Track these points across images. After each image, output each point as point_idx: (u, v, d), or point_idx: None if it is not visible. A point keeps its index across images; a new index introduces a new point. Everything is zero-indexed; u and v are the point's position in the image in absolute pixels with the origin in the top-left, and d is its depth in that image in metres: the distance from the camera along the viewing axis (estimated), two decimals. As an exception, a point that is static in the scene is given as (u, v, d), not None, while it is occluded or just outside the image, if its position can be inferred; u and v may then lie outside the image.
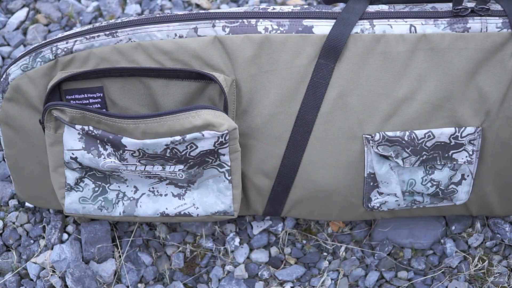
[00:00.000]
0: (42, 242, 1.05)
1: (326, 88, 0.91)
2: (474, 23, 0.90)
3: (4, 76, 0.94)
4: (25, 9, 1.31)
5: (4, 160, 1.13)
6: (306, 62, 0.91)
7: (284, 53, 0.91)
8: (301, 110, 0.92)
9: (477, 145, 0.93)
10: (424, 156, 0.93)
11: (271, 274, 1.04)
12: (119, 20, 0.93)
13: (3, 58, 1.26)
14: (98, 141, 0.89)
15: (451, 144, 0.92)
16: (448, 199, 0.98)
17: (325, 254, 1.05)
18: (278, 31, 0.91)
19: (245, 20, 0.91)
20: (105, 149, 0.89)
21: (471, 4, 0.92)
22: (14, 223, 1.07)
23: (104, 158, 0.90)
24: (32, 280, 1.03)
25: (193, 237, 1.06)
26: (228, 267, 1.04)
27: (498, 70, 0.90)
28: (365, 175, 0.95)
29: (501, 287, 1.01)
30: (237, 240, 1.05)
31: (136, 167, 0.90)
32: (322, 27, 0.91)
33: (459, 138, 0.92)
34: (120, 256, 1.04)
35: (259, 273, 1.04)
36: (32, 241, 1.05)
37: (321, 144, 0.93)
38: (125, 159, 0.89)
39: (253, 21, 0.91)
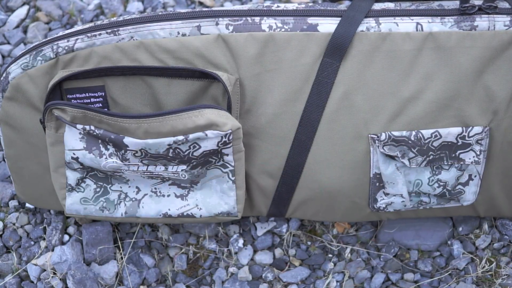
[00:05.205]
0: (43, 244, 1.04)
1: (331, 87, 0.91)
2: (482, 21, 0.90)
3: (4, 75, 0.94)
4: (26, 7, 1.31)
5: (4, 160, 1.13)
6: (311, 60, 0.90)
7: (289, 52, 0.90)
8: (305, 109, 0.92)
9: (484, 145, 0.93)
10: (431, 156, 0.92)
11: (276, 276, 1.03)
12: (121, 18, 0.93)
13: (3, 57, 1.25)
14: (100, 141, 0.89)
15: (458, 144, 0.92)
16: (455, 200, 0.97)
17: (330, 255, 1.05)
18: (283, 29, 0.90)
19: (249, 18, 0.91)
20: (107, 149, 0.89)
21: (478, 2, 0.92)
22: (14, 224, 1.07)
23: (106, 158, 0.89)
24: (32, 282, 1.02)
25: (196, 238, 1.06)
26: (231, 269, 1.03)
27: (506, 69, 0.90)
28: (371, 176, 0.94)
29: (509, 289, 1.00)
30: (241, 241, 1.05)
31: (138, 167, 0.89)
32: (327, 25, 0.91)
33: (466, 138, 0.92)
34: (122, 258, 1.04)
35: (263, 275, 1.03)
36: (32, 243, 1.05)
37: (326, 144, 0.93)
38: (127, 159, 0.88)
39: (257, 19, 0.91)
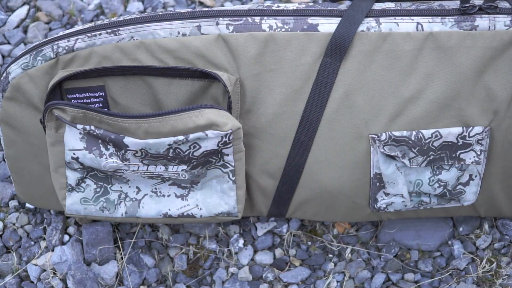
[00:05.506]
0: (43, 244, 1.04)
1: (331, 87, 0.91)
2: (482, 21, 0.90)
3: (4, 75, 0.93)
4: (26, 7, 1.31)
5: (4, 160, 1.12)
6: (311, 60, 0.90)
7: (289, 52, 0.90)
8: (306, 109, 0.92)
9: (485, 145, 0.92)
10: (431, 156, 0.92)
11: (276, 276, 1.03)
12: (121, 18, 0.92)
13: (3, 57, 1.25)
14: (100, 141, 0.88)
15: (459, 144, 0.92)
16: (455, 200, 0.97)
17: (330, 255, 1.04)
18: (283, 29, 0.90)
19: (249, 18, 0.91)
20: (107, 149, 0.88)
21: (479, 2, 0.92)
22: (14, 224, 1.07)
23: (106, 158, 0.89)
24: (32, 282, 1.02)
25: (197, 238, 1.06)
26: (232, 269, 1.03)
27: (507, 69, 0.90)
28: (371, 176, 0.94)
29: (509, 289, 1.00)
30: (241, 241, 1.05)
31: (138, 168, 0.89)
32: (328, 25, 0.90)
33: (467, 138, 0.91)
34: (122, 258, 1.04)
35: (264, 275, 1.03)
36: (32, 243, 1.05)
37: (327, 144, 0.93)
38: (127, 159, 0.88)
39: (257, 19, 0.91)
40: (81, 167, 0.91)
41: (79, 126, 0.88)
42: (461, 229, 1.05)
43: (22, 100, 0.93)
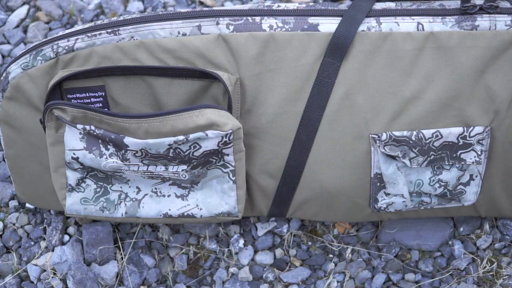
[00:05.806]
0: (43, 244, 1.04)
1: (332, 87, 0.91)
2: (483, 21, 0.90)
3: (4, 74, 0.93)
4: (26, 7, 1.31)
5: (4, 160, 1.12)
6: (312, 60, 0.90)
7: (289, 51, 0.90)
8: (306, 109, 0.91)
9: (485, 145, 0.92)
10: (432, 156, 0.92)
11: (276, 276, 1.03)
12: (121, 18, 0.92)
13: (3, 56, 1.25)
14: (100, 141, 0.88)
15: (459, 144, 0.92)
16: (456, 200, 0.97)
17: (331, 256, 1.04)
18: (283, 29, 0.90)
19: (249, 18, 0.91)
20: (107, 149, 0.88)
21: (479, 2, 0.92)
22: (14, 224, 1.06)
23: (106, 158, 0.89)
24: (32, 282, 1.02)
25: (197, 238, 1.06)
26: (232, 269, 1.03)
27: (507, 69, 0.90)
28: (372, 176, 0.94)
29: (510, 289, 1.00)
30: (242, 241, 1.05)
31: (138, 168, 0.89)
32: (328, 25, 0.90)
33: (468, 138, 0.91)
34: (122, 258, 1.03)
35: (264, 275, 1.03)
36: (32, 243, 1.05)
37: (327, 144, 0.93)
38: (127, 159, 0.88)
39: (257, 18, 0.91)
40: (81, 167, 0.91)
41: (79, 126, 0.88)
42: (461, 229, 1.05)
43: (22, 100, 0.93)
